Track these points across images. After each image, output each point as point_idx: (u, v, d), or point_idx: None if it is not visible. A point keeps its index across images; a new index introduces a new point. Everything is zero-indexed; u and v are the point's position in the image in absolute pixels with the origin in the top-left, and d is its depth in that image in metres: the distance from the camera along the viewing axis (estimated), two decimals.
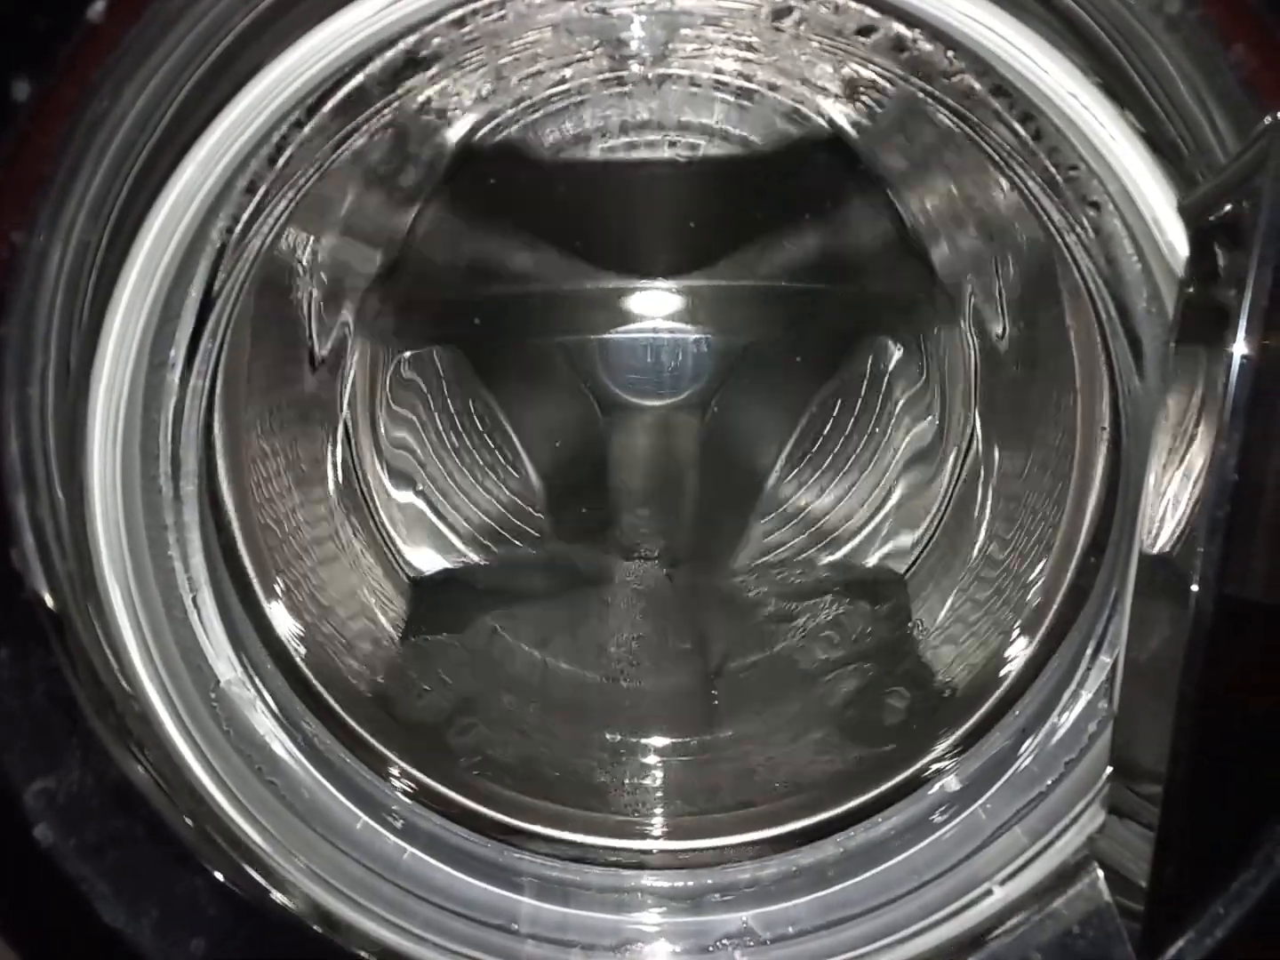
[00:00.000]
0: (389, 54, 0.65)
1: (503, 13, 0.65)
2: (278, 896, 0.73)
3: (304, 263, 0.91)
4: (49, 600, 0.67)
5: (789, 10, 0.65)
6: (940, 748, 0.83)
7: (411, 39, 0.65)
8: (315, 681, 0.84)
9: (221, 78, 0.61)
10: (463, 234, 1.07)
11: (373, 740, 0.84)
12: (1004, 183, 0.82)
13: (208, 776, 0.73)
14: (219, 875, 0.72)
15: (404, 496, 1.12)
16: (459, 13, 0.64)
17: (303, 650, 0.85)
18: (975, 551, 0.99)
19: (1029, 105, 0.64)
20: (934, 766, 0.83)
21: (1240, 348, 0.53)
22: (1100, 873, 0.72)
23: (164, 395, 0.70)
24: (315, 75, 0.62)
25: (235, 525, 0.82)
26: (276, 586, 0.85)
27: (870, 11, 0.64)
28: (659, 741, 0.97)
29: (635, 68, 0.82)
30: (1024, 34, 0.60)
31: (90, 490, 0.67)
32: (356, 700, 0.87)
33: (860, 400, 1.16)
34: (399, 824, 0.80)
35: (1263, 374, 0.53)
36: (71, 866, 0.67)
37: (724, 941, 0.78)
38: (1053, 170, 0.66)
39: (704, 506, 1.16)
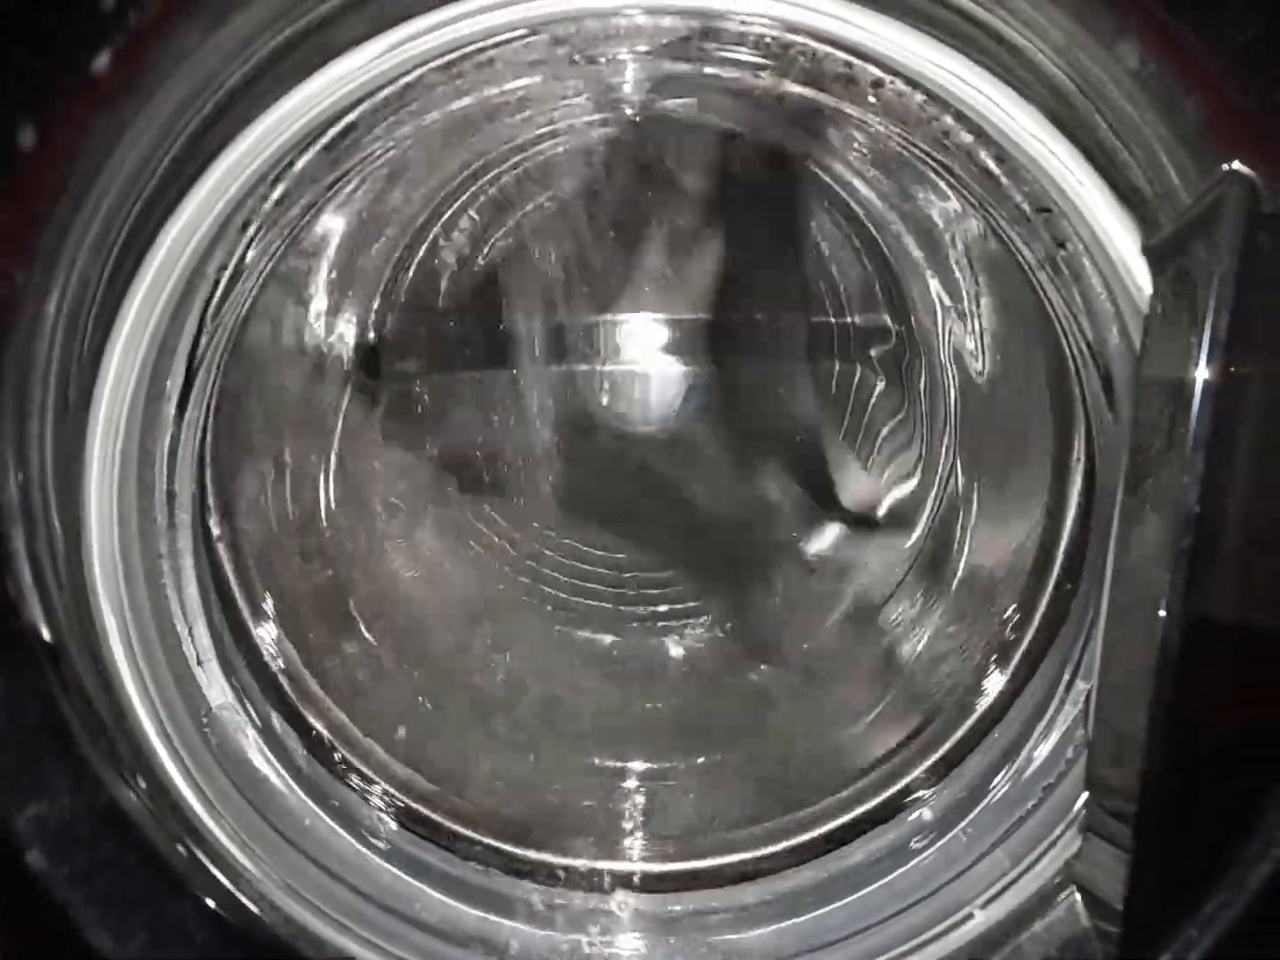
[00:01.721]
0: (380, 97, 0.67)
1: (491, 58, 0.67)
2: (266, 921, 0.74)
3: (299, 296, 0.93)
4: (45, 632, 0.67)
5: (771, 59, 0.67)
6: (919, 773, 0.84)
7: (402, 83, 0.67)
8: (303, 709, 0.85)
9: (220, 122, 0.63)
10: (453, 266, 1.09)
11: (362, 766, 0.85)
12: (977, 220, 0.85)
13: (198, 801, 0.73)
14: (209, 901, 0.72)
15: (394, 525, 1.13)
16: (449, 58, 0.66)
17: (292, 677, 0.86)
18: (954, 580, 1.00)
19: (999, 149, 0.66)
20: (913, 792, 0.84)
21: (1200, 381, 0.55)
22: (1078, 897, 0.73)
23: (160, 427, 0.71)
24: (309, 120, 0.64)
25: (228, 554, 0.83)
26: (267, 613, 0.86)
27: (846, 59, 0.66)
28: (641, 765, 0.98)
29: (624, 110, 0.85)
30: (992, 83, 0.63)
31: (87, 520, 0.68)
32: (345, 727, 0.88)
33: (843, 431, 1.18)
34: (386, 848, 0.81)
35: (1221, 406, 0.55)
36: (61, 893, 0.68)
37: None
38: (1027, 209, 0.68)
39: (689, 531, 1.18)
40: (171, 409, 0.71)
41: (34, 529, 0.67)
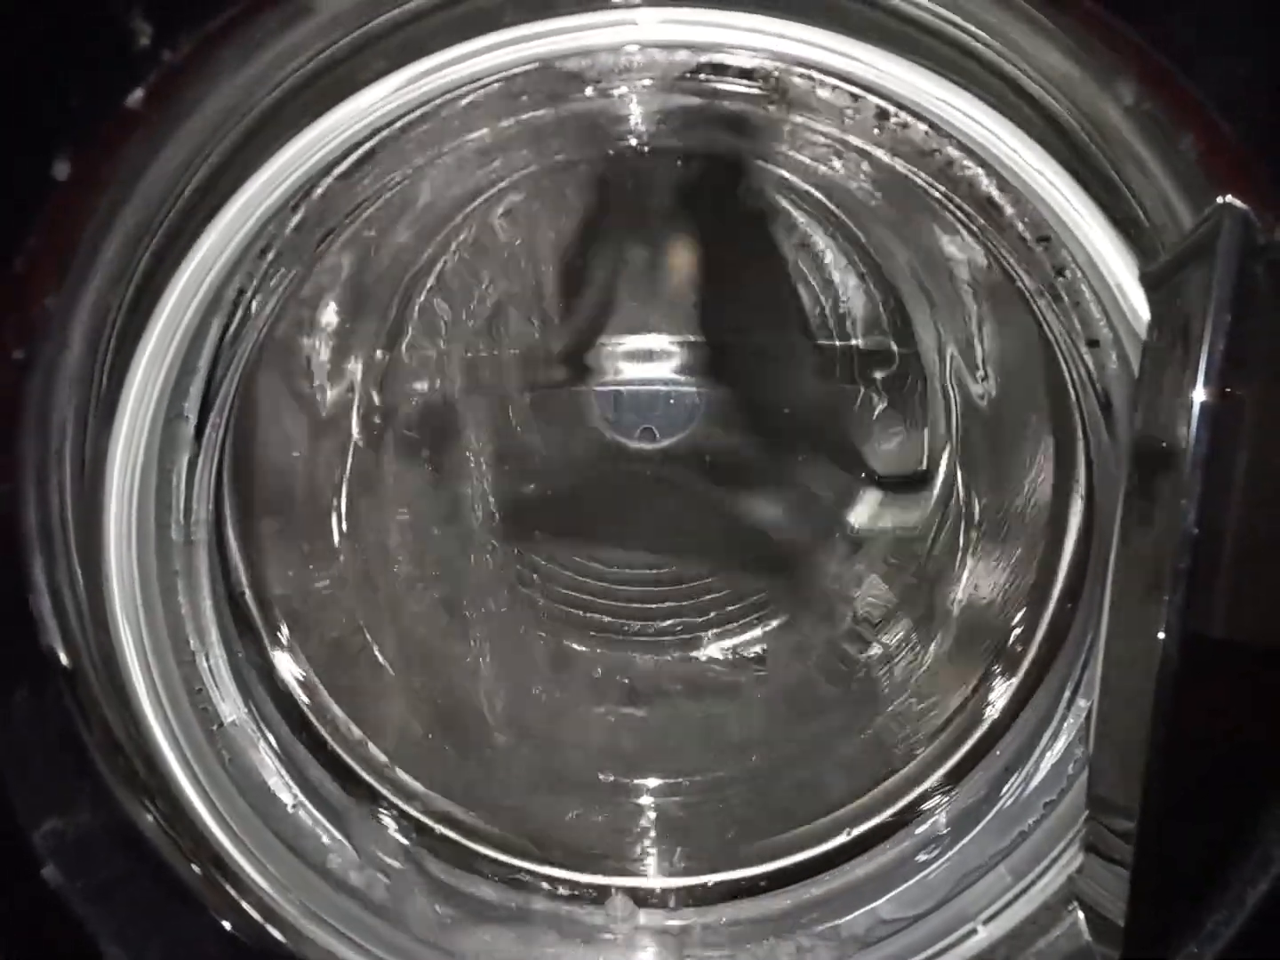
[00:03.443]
0: (397, 126, 0.69)
1: (507, 90, 0.69)
2: (279, 938, 0.75)
3: (314, 321, 0.95)
4: (63, 656, 0.69)
5: (779, 93, 0.69)
6: (924, 788, 0.85)
7: (419, 113, 0.69)
8: (317, 725, 0.86)
9: (244, 151, 0.65)
10: (464, 288, 1.11)
11: (375, 783, 0.86)
12: (979, 248, 0.86)
13: (211, 818, 0.74)
14: (222, 920, 0.73)
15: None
16: (465, 90, 0.68)
17: (305, 695, 0.87)
18: (955, 599, 1.02)
19: (1001, 180, 0.68)
20: (919, 807, 0.85)
21: (1197, 405, 0.57)
22: (1080, 913, 0.74)
23: (179, 447, 0.72)
24: (332, 149, 0.66)
25: (242, 573, 0.84)
26: (281, 634, 0.87)
27: (852, 92, 0.68)
28: (653, 781, 0.99)
29: (631, 141, 0.86)
30: (994, 117, 0.65)
31: (106, 534, 0.70)
32: (357, 744, 0.88)
33: (846, 448, 1.19)
34: (399, 866, 0.82)
35: (1218, 429, 0.57)
36: (78, 907, 0.69)
37: None
38: (1027, 238, 0.70)
39: (706, 548, 1.19)
40: (190, 429, 0.73)
41: (53, 553, 0.68)
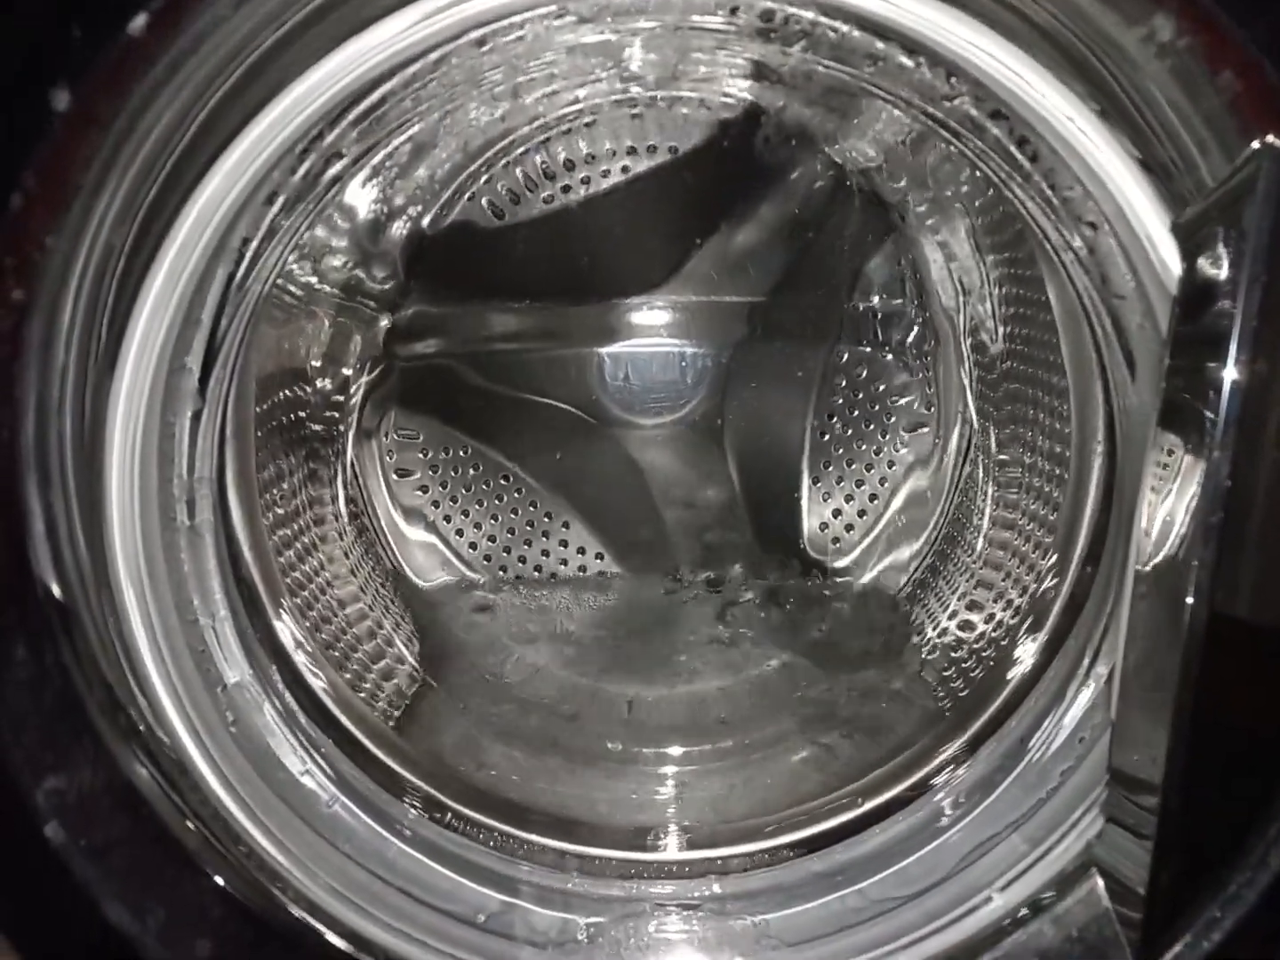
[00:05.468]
0: (409, 71, 0.67)
1: (521, 34, 0.67)
2: (281, 900, 0.74)
3: (321, 272, 0.93)
4: (56, 590, 0.67)
5: (801, 35, 0.67)
6: (942, 757, 0.84)
7: (433, 57, 0.67)
8: (319, 691, 0.85)
9: (249, 91, 0.63)
10: (464, 256, 1.09)
11: (376, 751, 0.85)
12: (1002, 199, 0.84)
13: (214, 777, 0.73)
14: (220, 880, 0.72)
15: (410, 519, 1.13)
16: (480, 33, 0.66)
17: (308, 662, 0.85)
18: (974, 562, 1.00)
19: (1026, 129, 0.66)
20: (936, 776, 0.84)
21: (1231, 365, 0.55)
22: (1099, 879, 0.73)
23: (181, 399, 0.71)
24: (339, 91, 0.64)
25: (243, 539, 0.82)
26: (283, 600, 0.86)
27: (875, 40, 0.66)
28: (672, 751, 0.98)
29: (643, 90, 0.84)
30: (1022, 60, 0.63)
31: (108, 489, 0.68)
32: (360, 712, 0.87)
33: (859, 412, 1.18)
34: (403, 830, 0.81)
35: (1252, 390, 0.55)
36: (79, 866, 0.68)
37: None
38: (1049, 191, 0.68)
39: (718, 518, 1.18)
40: (194, 383, 0.71)
41: (49, 482, 0.66)
